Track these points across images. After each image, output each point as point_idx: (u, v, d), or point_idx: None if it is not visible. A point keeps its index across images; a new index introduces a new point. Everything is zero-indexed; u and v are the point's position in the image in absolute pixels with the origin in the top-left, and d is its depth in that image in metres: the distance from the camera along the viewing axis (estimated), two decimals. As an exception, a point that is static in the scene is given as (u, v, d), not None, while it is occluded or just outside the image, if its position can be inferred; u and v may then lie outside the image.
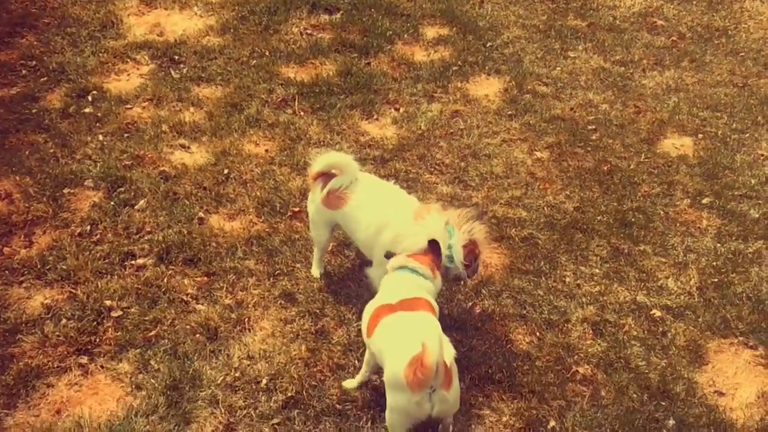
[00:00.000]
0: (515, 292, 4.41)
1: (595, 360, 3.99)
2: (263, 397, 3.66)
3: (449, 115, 6.09)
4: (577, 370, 3.92)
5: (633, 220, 5.08)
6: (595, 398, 3.78)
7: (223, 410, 3.57)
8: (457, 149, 5.68)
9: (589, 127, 6.05)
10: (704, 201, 5.30)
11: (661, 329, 4.23)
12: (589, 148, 5.81)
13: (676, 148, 5.89)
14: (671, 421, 3.66)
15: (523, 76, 6.60)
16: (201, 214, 4.81)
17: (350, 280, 4.40)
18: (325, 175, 4.05)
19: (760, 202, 5.29)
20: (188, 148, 5.47)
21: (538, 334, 4.14)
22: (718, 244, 4.91)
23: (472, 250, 3.85)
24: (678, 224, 5.09)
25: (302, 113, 5.94)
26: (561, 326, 4.21)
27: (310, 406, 3.63)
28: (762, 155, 5.80)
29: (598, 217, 5.08)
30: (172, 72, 6.29)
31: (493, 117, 6.11)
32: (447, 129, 5.91)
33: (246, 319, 4.10)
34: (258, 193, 5.01)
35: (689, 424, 3.65)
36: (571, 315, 4.28)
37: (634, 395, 3.80)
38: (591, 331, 4.19)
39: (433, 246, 3.63)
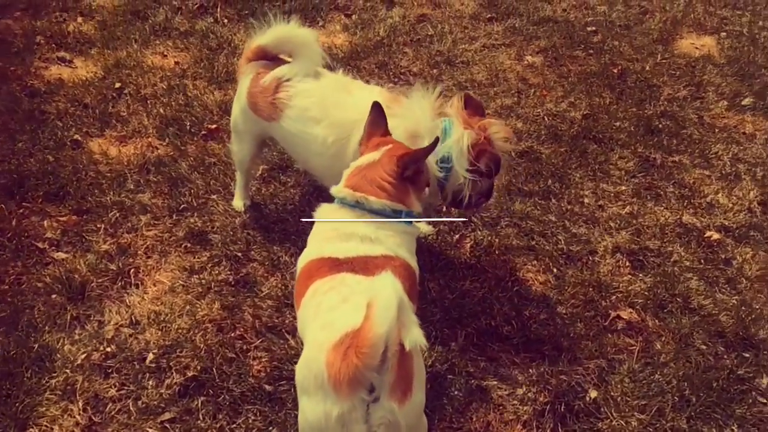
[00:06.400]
0: (518, 219, 3.17)
1: (641, 301, 2.78)
2: (150, 382, 2.35)
3: (414, 20, 4.84)
4: (617, 315, 2.69)
5: (660, 126, 3.89)
6: (648, 353, 2.56)
7: (81, 405, 2.25)
8: (427, 56, 4.42)
9: (589, 29, 4.86)
10: (744, 102, 4.14)
11: (722, 256, 3.04)
12: (591, 51, 4.60)
13: (697, 48, 4.73)
14: (764, 380, 2.47)
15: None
16: (77, 137, 3.46)
17: (288, 213, 3.11)
18: (268, 59, 2.75)
19: (814, 99, 4.16)
20: (70, 62, 4.10)
21: (554, 270, 2.91)
22: (773, 151, 3.76)
23: (486, 150, 2.43)
24: (717, 130, 3.91)
25: (226, 20, 4.61)
26: (585, 259, 2.98)
27: (224, 389, 2.34)
28: (804, 49, 4.67)
29: (616, 124, 3.87)
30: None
31: (468, 21, 4.88)
32: (413, 35, 4.65)
33: (131, 271, 2.77)
34: (162, 111, 3.68)
35: (790, 381, 2.46)
36: (596, 244, 3.06)
37: (703, 347, 2.59)
38: (628, 263, 2.97)
39: (376, 114, 2.20)
